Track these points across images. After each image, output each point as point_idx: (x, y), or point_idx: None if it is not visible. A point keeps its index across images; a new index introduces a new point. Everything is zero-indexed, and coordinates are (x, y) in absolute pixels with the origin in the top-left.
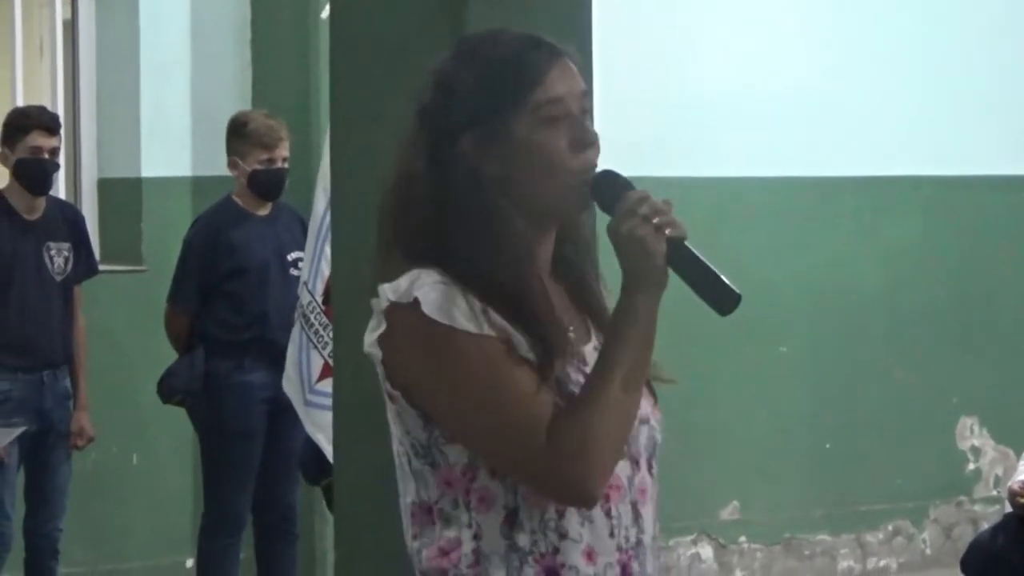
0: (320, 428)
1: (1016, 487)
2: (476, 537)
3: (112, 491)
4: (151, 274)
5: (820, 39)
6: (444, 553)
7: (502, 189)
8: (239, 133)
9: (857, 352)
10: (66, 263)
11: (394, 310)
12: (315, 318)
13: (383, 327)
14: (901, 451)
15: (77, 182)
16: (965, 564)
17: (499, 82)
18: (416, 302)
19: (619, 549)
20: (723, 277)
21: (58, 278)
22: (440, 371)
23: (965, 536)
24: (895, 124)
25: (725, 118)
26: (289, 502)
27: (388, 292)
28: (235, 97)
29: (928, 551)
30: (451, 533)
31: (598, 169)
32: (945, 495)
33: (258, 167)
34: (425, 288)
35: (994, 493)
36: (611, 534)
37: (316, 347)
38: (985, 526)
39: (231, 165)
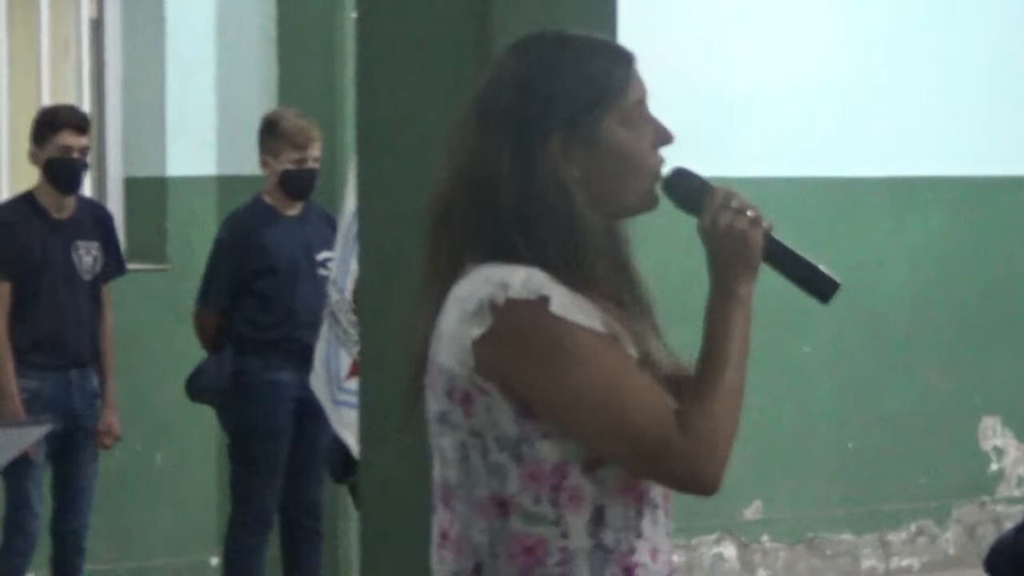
0: (347, 426)
1: None
2: (564, 535)
3: (137, 489)
4: (176, 273)
5: (846, 39)
6: (528, 550)
7: (584, 189)
8: (271, 132)
9: (881, 352)
10: (94, 262)
11: (513, 307)
12: (343, 316)
13: (490, 322)
14: (924, 451)
15: (103, 181)
16: (988, 564)
17: (592, 88)
18: (544, 300)
19: (668, 550)
20: (819, 266)
21: (87, 277)
22: (570, 370)
23: (988, 536)
24: (920, 124)
25: (750, 118)
26: (316, 500)
27: (507, 289)
28: (261, 96)
29: (951, 551)
30: (533, 530)
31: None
32: (968, 495)
33: (289, 167)
34: (549, 287)
35: (1017, 493)
36: (667, 532)
37: (344, 345)
38: (1008, 526)
39: (262, 164)
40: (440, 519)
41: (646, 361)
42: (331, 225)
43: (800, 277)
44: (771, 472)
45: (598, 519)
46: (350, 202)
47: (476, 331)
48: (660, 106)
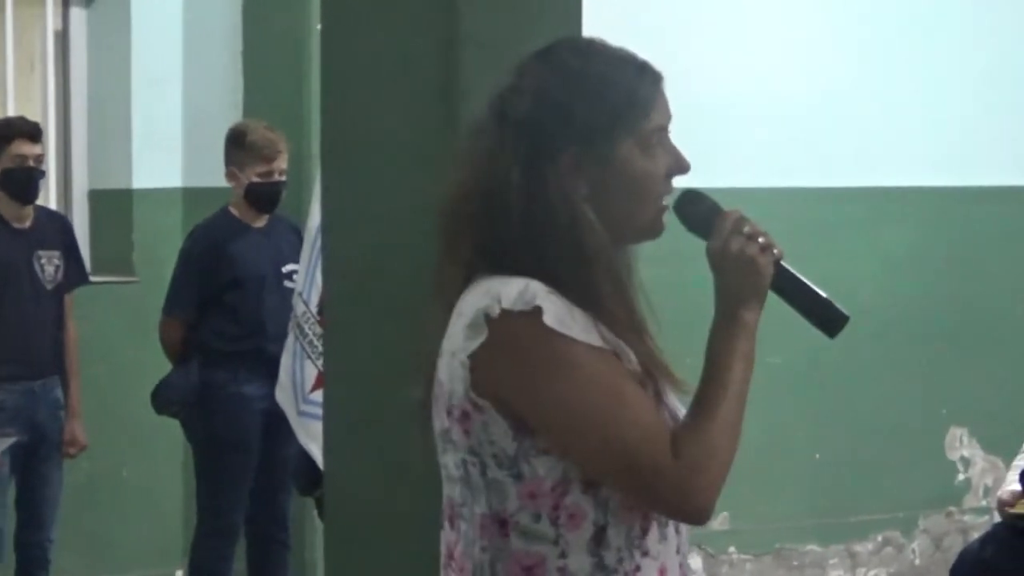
0: (313, 438)
1: (1005, 497)
2: (563, 555)
3: (104, 502)
4: (142, 285)
5: (822, 52)
6: (527, 569)
7: (593, 207)
8: (238, 144)
9: (848, 362)
10: (57, 271)
11: (507, 319)
12: (309, 328)
13: (485, 335)
14: (891, 461)
15: (68, 193)
16: (954, 574)
17: (614, 106)
18: (537, 311)
19: (680, 565)
20: (829, 298)
21: (49, 286)
22: (561, 384)
23: (955, 546)
24: (896, 135)
25: (730, 129)
26: (283, 512)
27: (500, 300)
28: (227, 108)
29: (918, 561)
30: (532, 548)
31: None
32: (935, 505)
33: (256, 179)
34: (544, 298)
35: (984, 503)
36: (677, 551)
37: (310, 357)
38: (975, 536)
39: (229, 176)
40: (447, 538)
41: (648, 380)
42: (298, 237)
43: (808, 308)
44: (738, 483)
45: (599, 538)
46: (315, 214)
47: (471, 345)
48: None
